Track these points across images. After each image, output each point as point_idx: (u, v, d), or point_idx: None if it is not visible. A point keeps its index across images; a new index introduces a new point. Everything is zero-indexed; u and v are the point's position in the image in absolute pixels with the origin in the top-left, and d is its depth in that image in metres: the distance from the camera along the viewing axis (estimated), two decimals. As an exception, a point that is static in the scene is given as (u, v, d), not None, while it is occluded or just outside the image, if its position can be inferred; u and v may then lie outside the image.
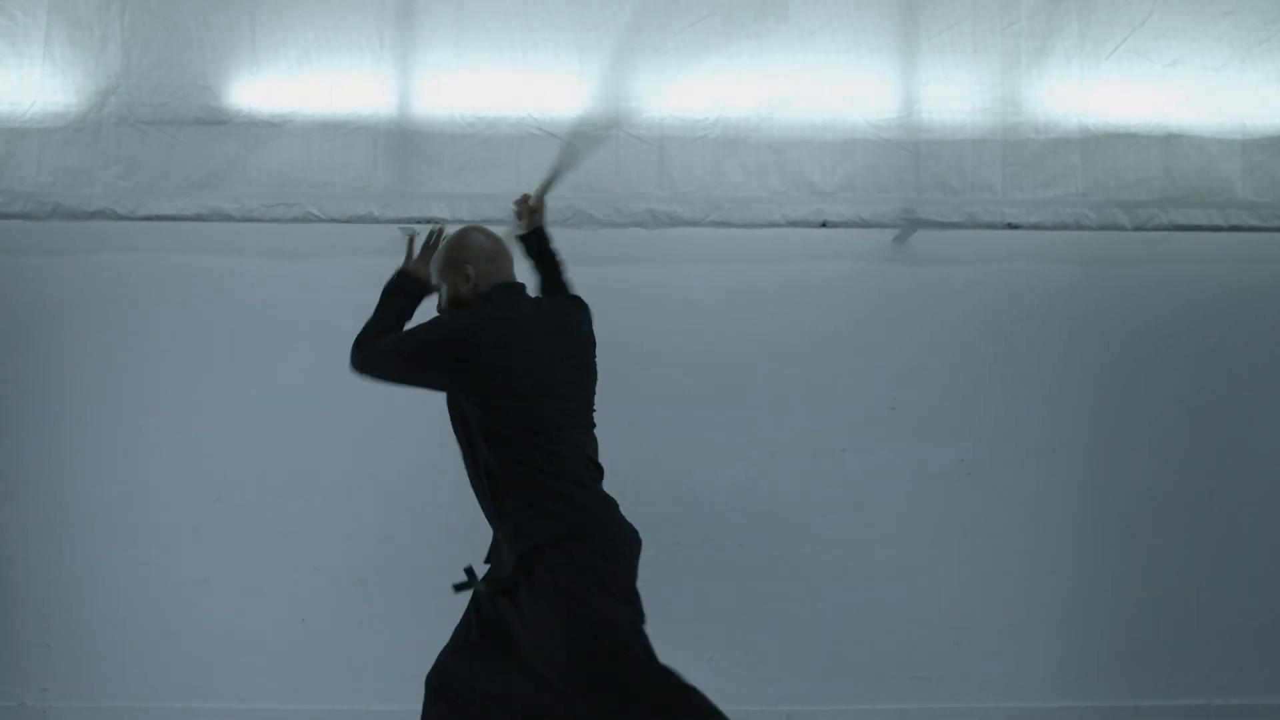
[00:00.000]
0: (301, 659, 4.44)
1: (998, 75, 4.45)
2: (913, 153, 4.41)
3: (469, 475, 3.07)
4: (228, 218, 4.36)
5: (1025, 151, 4.42)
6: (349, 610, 4.44)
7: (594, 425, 3.19)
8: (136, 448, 4.47)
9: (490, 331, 2.99)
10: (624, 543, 3.03)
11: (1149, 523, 4.56)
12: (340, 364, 4.55)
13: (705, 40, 4.41)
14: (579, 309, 3.32)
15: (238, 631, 4.42)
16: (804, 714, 4.46)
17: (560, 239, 4.47)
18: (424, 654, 4.31)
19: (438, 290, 3.28)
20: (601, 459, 4.55)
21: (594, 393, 3.22)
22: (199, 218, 4.34)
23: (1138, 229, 4.42)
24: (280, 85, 4.36)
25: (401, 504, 4.46)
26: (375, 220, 4.35)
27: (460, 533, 4.29)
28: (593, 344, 3.27)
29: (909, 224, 4.42)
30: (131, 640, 4.42)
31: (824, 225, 4.40)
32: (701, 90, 4.40)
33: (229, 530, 4.46)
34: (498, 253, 3.21)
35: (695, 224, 4.38)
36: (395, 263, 4.56)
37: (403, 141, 4.36)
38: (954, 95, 4.43)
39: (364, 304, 4.49)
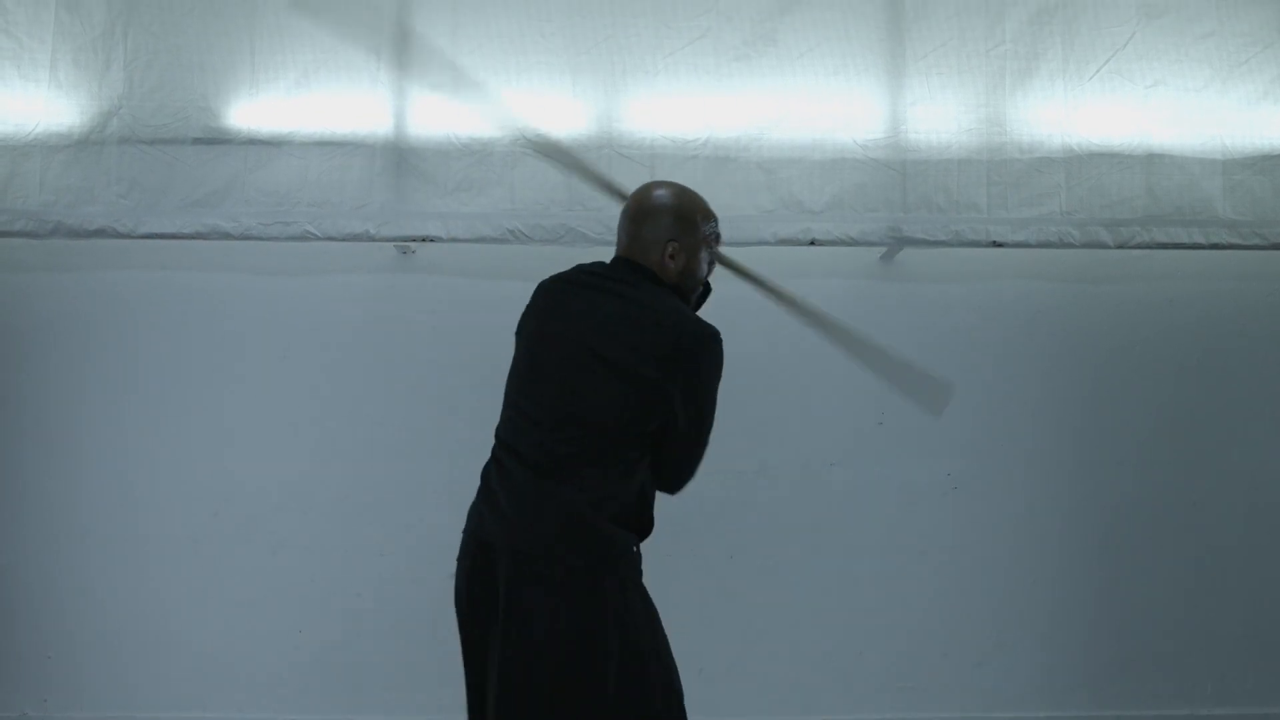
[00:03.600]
0: (298, 671, 4.48)
1: (983, 96, 4.50)
2: (899, 172, 4.47)
3: None
4: (226, 236, 4.41)
5: (1010, 171, 4.47)
6: (345, 623, 4.47)
7: (567, 420, 2.67)
8: (135, 462, 4.51)
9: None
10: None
11: (1133, 535, 4.60)
12: (337, 379, 4.64)
13: (696, 62, 4.47)
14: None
15: (235, 644, 4.45)
16: (793, 724, 4.50)
17: (552, 257, 4.55)
18: (419, 667, 4.40)
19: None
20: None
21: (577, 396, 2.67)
22: (198, 236, 4.38)
23: (1121, 247, 4.46)
24: (279, 106, 4.42)
25: (397, 518, 4.50)
26: (372, 238, 4.40)
27: (455, 546, 4.37)
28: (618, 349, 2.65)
29: (896, 242, 4.47)
30: (131, 652, 4.45)
31: (812, 243, 4.46)
32: (692, 111, 4.46)
33: (226, 543, 4.49)
34: None
35: (685, 242, 4.43)
36: (391, 281, 4.66)
37: (399, 161, 4.41)
38: (940, 116, 4.49)
39: (360, 320, 4.59)
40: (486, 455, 4.45)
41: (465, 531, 2.73)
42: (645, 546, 4.49)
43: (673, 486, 2.76)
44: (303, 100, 4.42)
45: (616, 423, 2.59)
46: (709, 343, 2.68)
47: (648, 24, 4.46)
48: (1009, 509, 4.60)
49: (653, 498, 2.73)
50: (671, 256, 2.73)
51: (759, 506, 4.55)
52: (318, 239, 4.40)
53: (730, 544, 4.53)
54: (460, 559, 2.70)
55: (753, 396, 4.56)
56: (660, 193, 2.80)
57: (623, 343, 2.62)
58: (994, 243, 4.45)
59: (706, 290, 2.97)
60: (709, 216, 2.83)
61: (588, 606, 2.54)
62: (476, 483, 4.47)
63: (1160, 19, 4.52)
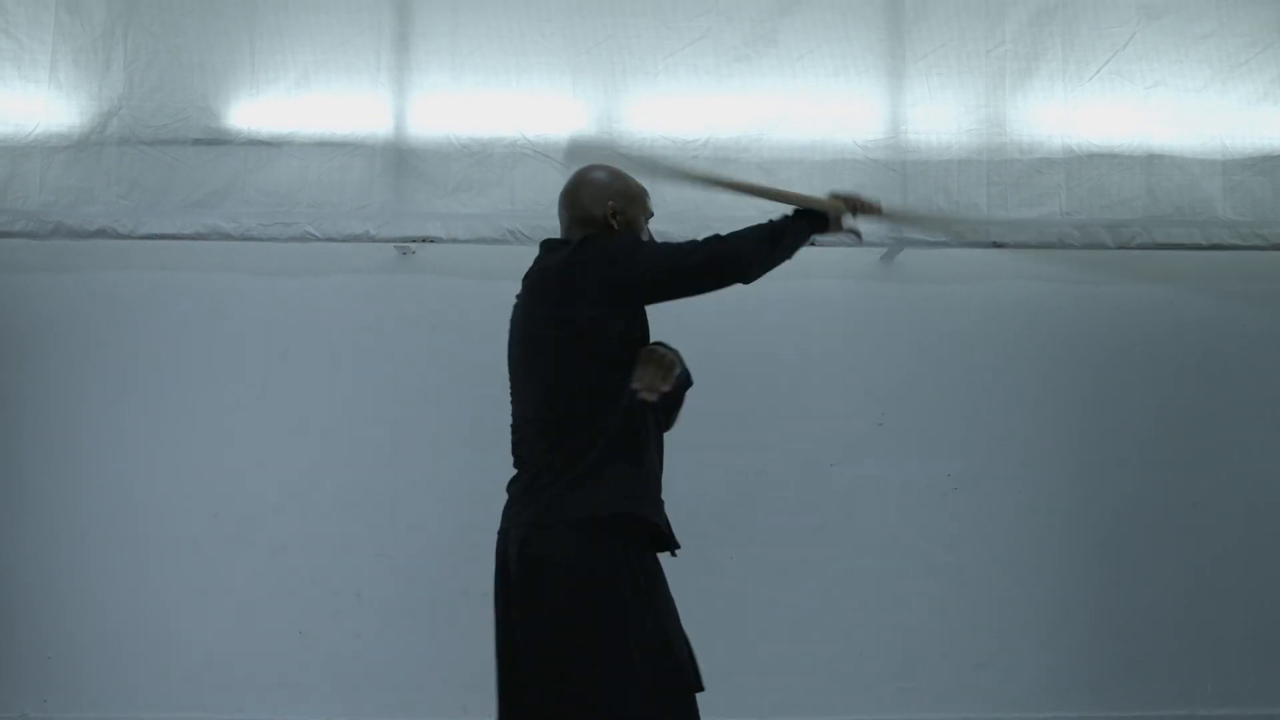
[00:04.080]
0: (299, 671, 4.47)
1: (983, 97, 4.51)
2: (900, 173, 4.47)
3: None
4: (227, 236, 4.41)
5: (1010, 171, 4.48)
6: (346, 623, 4.47)
7: (524, 424, 2.75)
8: (135, 462, 4.51)
9: None
10: None
11: (1134, 536, 4.60)
12: (337, 379, 4.65)
13: (696, 63, 4.48)
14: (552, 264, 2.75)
15: (236, 644, 4.45)
16: (794, 725, 4.50)
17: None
18: (420, 666, 4.40)
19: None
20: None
21: (530, 383, 2.73)
22: (198, 236, 4.38)
23: (1121, 247, 4.47)
24: (279, 107, 4.43)
25: (397, 518, 4.50)
26: (372, 239, 4.40)
27: (455, 546, 4.37)
28: (528, 328, 2.73)
29: (896, 243, 4.47)
30: (131, 653, 4.45)
31: (813, 244, 4.45)
32: (692, 112, 4.46)
33: (227, 544, 4.49)
34: None
35: (686, 243, 4.44)
36: (391, 281, 4.66)
37: (399, 162, 4.42)
38: (940, 117, 4.49)
39: (360, 321, 4.59)
40: (487, 454, 4.46)
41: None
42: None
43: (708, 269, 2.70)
44: (303, 101, 4.43)
45: (565, 398, 2.64)
46: (591, 234, 2.73)
47: (648, 25, 4.47)
48: (1009, 509, 4.60)
49: (643, 468, 2.74)
50: (614, 214, 2.78)
51: (760, 507, 4.55)
52: (318, 239, 4.40)
53: (731, 545, 4.53)
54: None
55: (754, 397, 4.58)
56: (588, 167, 2.91)
57: (538, 311, 2.71)
58: (994, 243, 4.46)
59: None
60: (628, 177, 2.90)
61: (561, 585, 2.58)
62: (477, 482, 4.49)
63: (1160, 19, 4.53)
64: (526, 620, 2.60)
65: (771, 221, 2.83)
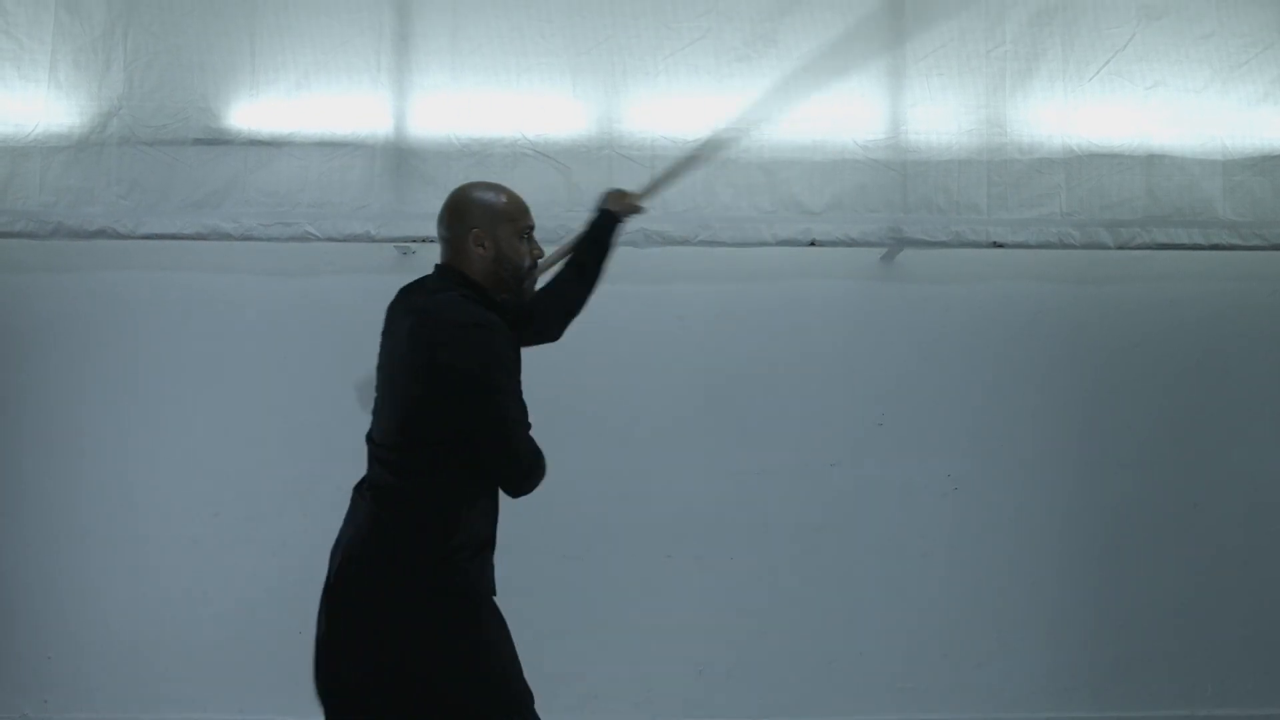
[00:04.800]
0: (299, 671, 4.44)
1: (983, 97, 4.51)
2: (900, 173, 4.47)
3: None
4: (227, 237, 4.41)
5: (1010, 172, 4.48)
6: (345, 623, 4.48)
7: (379, 440, 2.73)
8: (136, 462, 4.52)
9: None
10: None
11: (1134, 536, 4.61)
12: (337, 380, 4.63)
13: (696, 63, 4.48)
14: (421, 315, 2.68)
15: (236, 643, 4.45)
16: (794, 725, 4.51)
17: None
18: (419, 666, 4.39)
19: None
20: (595, 474, 4.63)
21: (393, 406, 2.69)
22: (198, 237, 4.39)
23: (1121, 247, 4.48)
24: (279, 107, 4.43)
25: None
26: (372, 239, 4.40)
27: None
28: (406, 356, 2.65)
29: (896, 243, 4.48)
30: (132, 652, 4.45)
31: (813, 244, 4.46)
32: (692, 111, 4.45)
33: (227, 543, 4.49)
34: None
35: (686, 243, 4.44)
36: (393, 281, 4.65)
37: (399, 162, 4.42)
38: (940, 117, 4.50)
39: (360, 321, 4.57)
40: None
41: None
42: (647, 549, 4.53)
43: (509, 488, 2.67)
44: (303, 101, 4.43)
45: (410, 442, 2.59)
46: (468, 332, 2.56)
47: (648, 25, 4.47)
48: (1009, 510, 4.60)
49: (477, 510, 2.64)
50: (480, 245, 2.71)
51: (759, 507, 4.55)
52: (318, 240, 4.40)
53: (731, 545, 4.54)
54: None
55: (753, 397, 4.58)
56: (454, 191, 2.82)
57: (402, 362, 2.63)
58: (994, 243, 4.46)
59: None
60: (504, 194, 2.79)
61: (372, 617, 2.55)
62: (477, 483, 4.50)
63: (1160, 20, 4.53)
64: (354, 646, 2.56)
65: None
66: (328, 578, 2.63)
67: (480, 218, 2.72)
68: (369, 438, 2.75)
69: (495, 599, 2.70)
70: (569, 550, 4.50)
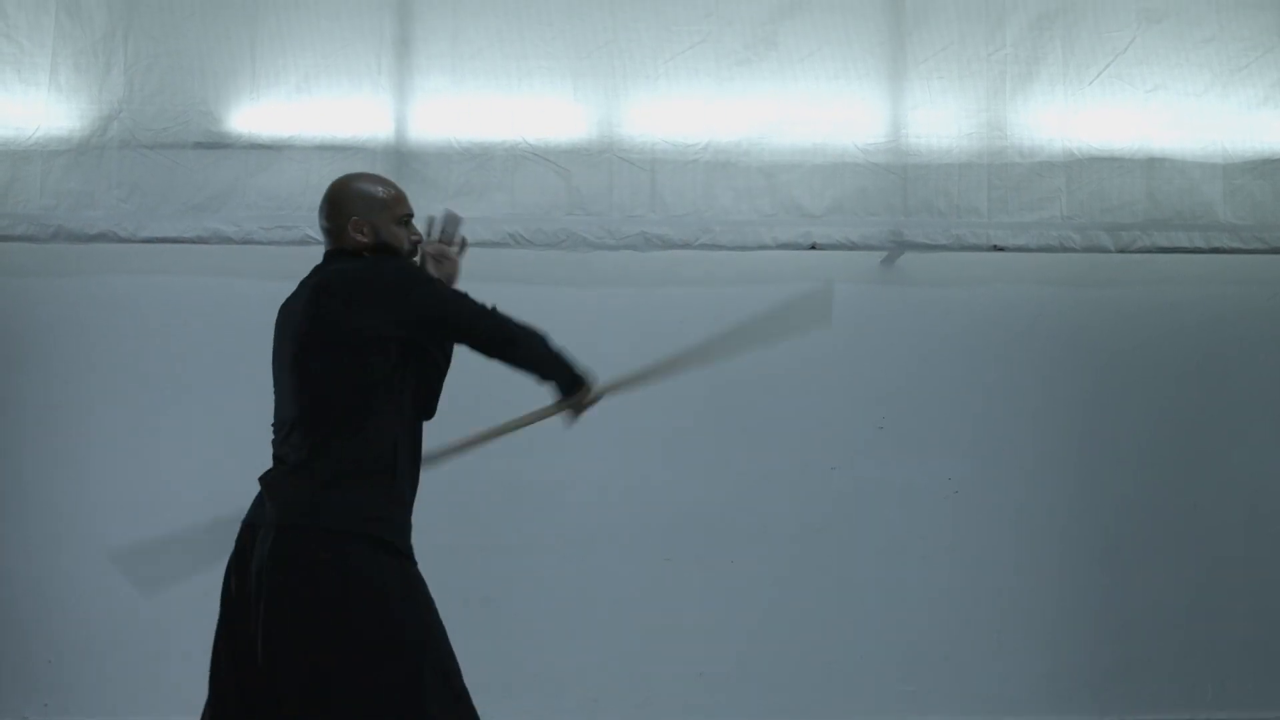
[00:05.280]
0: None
1: (984, 100, 4.52)
2: (900, 176, 4.48)
3: None
4: (227, 240, 4.41)
5: (1011, 175, 4.48)
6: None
7: (287, 423, 2.73)
8: (137, 466, 4.52)
9: None
10: None
11: (1134, 539, 4.61)
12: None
13: (697, 66, 4.48)
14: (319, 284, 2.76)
15: (236, 648, 4.46)
16: (794, 728, 4.51)
17: (554, 261, 4.56)
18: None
19: None
20: (595, 477, 4.63)
21: (299, 384, 2.70)
22: (199, 240, 4.38)
23: (1121, 251, 4.48)
24: (280, 110, 4.43)
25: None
26: (373, 242, 4.40)
27: (454, 550, 4.38)
28: (309, 330, 2.70)
29: (897, 246, 4.49)
30: (133, 656, 4.45)
31: (813, 247, 4.47)
32: (693, 115, 4.47)
33: (228, 550, 4.48)
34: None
35: (686, 246, 4.45)
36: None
37: (400, 166, 4.41)
38: (941, 120, 4.50)
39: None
40: (487, 458, 4.45)
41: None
42: (648, 551, 4.53)
43: (496, 351, 2.77)
44: (304, 104, 4.43)
45: (333, 404, 2.63)
46: (377, 266, 2.73)
47: (648, 28, 4.48)
48: (1010, 512, 4.61)
49: (396, 482, 2.72)
50: (360, 232, 2.78)
51: (759, 510, 4.56)
52: (318, 243, 4.37)
53: (732, 548, 4.54)
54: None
55: (754, 400, 4.58)
56: (333, 183, 2.90)
57: (309, 328, 2.68)
58: (995, 247, 4.47)
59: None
60: (380, 184, 2.89)
61: (303, 580, 2.57)
62: (476, 487, 4.50)
63: (1160, 24, 4.53)
64: (278, 628, 2.55)
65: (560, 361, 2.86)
66: (257, 559, 2.65)
67: (359, 206, 2.79)
68: (274, 441, 2.78)
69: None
70: (569, 553, 4.50)
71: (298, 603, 2.55)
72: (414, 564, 2.72)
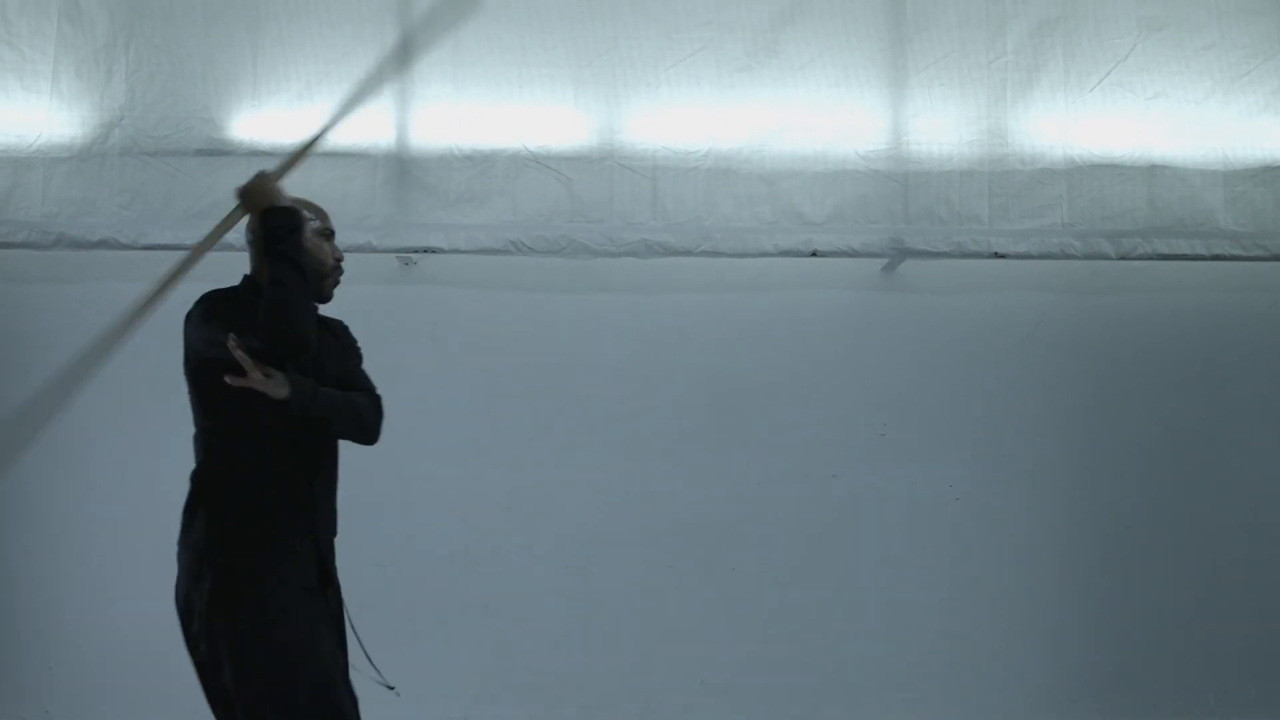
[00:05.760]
0: (300, 682, 4.47)
1: (984, 108, 4.52)
2: (901, 184, 4.48)
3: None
4: (229, 247, 4.36)
5: (1012, 182, 4.49)
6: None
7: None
8: (137, 471, 4.51)
9: None
10: None
11: (1136, 546, 4.61)
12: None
13: (698, 74, 4.49)
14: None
15: (237, 655, 4.46)
16: (796, 735, 4.51)
17: (555, 268, 4.57)
18: (418, 677, 4.38)
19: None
20: (596, 484, 4.64)
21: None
22: (201, 247, 4.40)
23: (1122, 258, 4.49)
24: (281, 118, 4.43)
25: (396, 528, 4.49)
26: (374, 250, 4.40)
27: (454, 556, 4.38)
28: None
29: (898, 253, 4.49)
30: (133, 662, 4.43)
31: (814, 255, 4.47)
32: (694, 122, 4.48)
33: (229, 555, 4.49)
34: None
35: (687, 253, 4.45)
36: (394, 292, 4.66)
37: (401, 173, 4.43)
38: (942, 127, 4.51)
39: (362, 332, 4.58)
40: (485, 465, 4.46)
41: None
42: (649, 558, 4.52)
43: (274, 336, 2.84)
44: (305, 112, 4.43)
45: (201, 428, 2.92)
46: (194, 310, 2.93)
47: (650, 36, 4.48)
48: (1011, 519, 4.61)
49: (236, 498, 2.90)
50: (253, 232, 2.95)
51: (761, 517, 4.56)
52: (319, 249, 4.40)
53: (733, 555, 4.54)
54: None
55: (756, 408, 4.59)
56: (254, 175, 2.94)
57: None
58: (996, 254, 4.47)
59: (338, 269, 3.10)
60: (304, 202, 2.97)
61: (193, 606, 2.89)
62: (477, 492, 4.50)
63: (1161, 31, 4.54)
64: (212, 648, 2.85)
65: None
66: (212, 585, 2.85)
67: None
68: None
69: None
70: (570, 560, 4.50)
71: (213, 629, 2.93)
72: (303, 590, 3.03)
